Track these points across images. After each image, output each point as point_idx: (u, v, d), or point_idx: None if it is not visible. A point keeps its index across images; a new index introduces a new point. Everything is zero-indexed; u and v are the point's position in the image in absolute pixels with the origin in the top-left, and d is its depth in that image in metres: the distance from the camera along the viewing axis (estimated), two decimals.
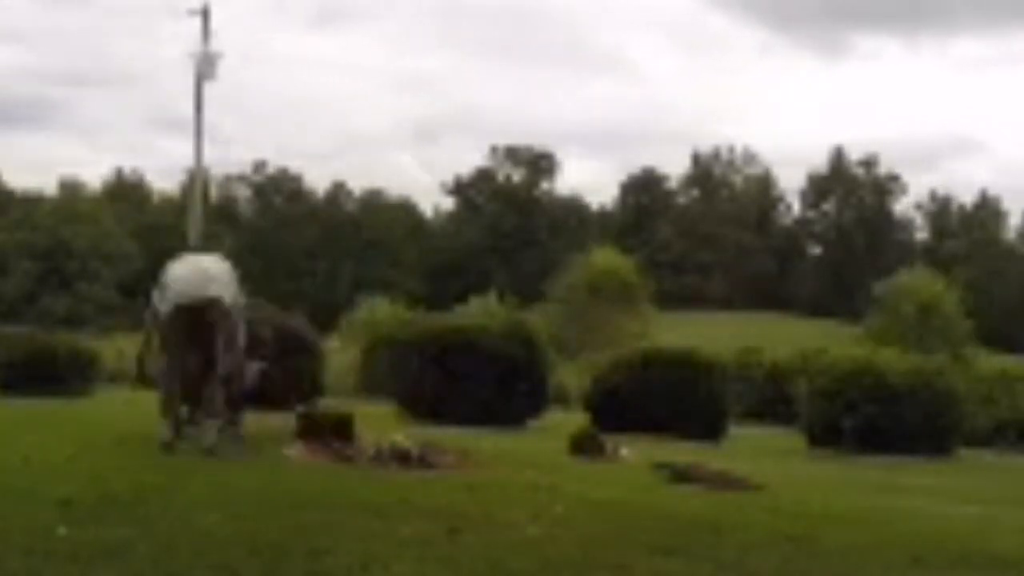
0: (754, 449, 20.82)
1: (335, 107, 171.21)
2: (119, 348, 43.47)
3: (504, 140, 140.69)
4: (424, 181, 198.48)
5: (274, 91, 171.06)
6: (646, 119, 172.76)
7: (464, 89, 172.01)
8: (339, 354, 39.27)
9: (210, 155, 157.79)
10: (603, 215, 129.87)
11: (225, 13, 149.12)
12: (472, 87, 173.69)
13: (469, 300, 59.82)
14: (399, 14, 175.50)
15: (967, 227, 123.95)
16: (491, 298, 61.49)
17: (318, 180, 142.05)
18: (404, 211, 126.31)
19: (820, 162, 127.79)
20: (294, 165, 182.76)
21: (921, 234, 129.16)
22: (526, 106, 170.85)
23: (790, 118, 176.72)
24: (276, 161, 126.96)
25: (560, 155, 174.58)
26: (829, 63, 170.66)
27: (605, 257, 72.19)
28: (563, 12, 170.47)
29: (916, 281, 66.60)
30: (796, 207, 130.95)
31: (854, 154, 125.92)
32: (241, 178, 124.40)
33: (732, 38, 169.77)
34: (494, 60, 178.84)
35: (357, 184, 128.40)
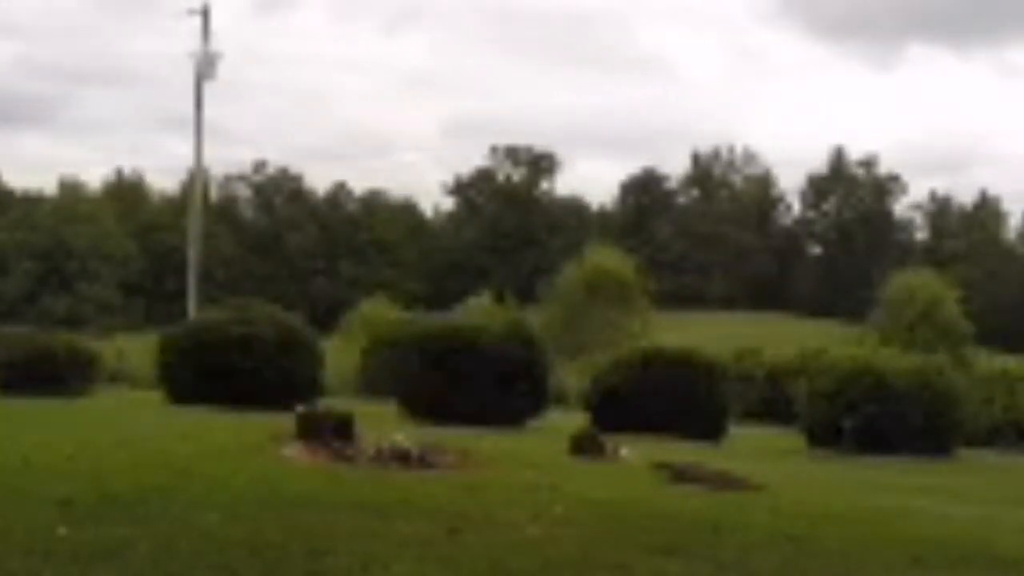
0: (754, 449, 20.81)
1: (347, 106, 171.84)
2: (119, 348, 43.57)
3: (520, 140, 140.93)
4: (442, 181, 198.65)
5: (278, 89, 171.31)
6: (681, 122, 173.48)
7: (476, 90, 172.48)
8: (339, 354, 39.29)
9: (216, 155, 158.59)
10: (603, 215, 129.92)
11: (231, 13, 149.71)
12: (483, 88, 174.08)
13: (464, 300, 59.88)
14: (417, 16, 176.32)
15: (967, 227, 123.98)
16: (484, 298, 61.52)
17: (318, 180, 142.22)
18: (406, 211, 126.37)
19: (821, 162, 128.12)
20: (304, 165, 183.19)
21: (921, 234, 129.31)
22: (548, 106, 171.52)
23: (823, 123, 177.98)
24: (279, 161, 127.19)
25: (581, 155, 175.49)
26: (879, 71, 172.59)
27: (601, 256, 71.80)
28: (603, 15, 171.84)
29: (918, 281, 66.50)
30: (796, 207, 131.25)
31: (888, 157, 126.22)
32: (241, 178, 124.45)
33: (778, 46, 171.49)
34: (509, 61, 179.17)
35: (361, 184, 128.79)
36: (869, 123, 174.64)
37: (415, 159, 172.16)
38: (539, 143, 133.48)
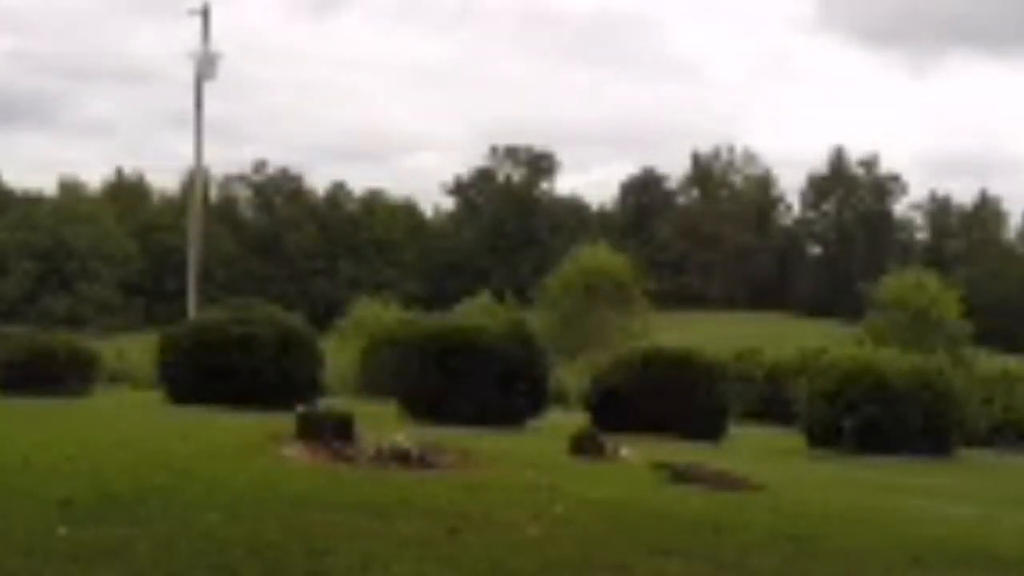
0: (754, 449, 20.81)
1: (360, 106, 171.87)
2: (119, 348, 43.61)
3: (542, 142, 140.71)
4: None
5: (283, 89, 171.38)
6: (687, 122, 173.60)
7: (497, 92, 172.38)
8: (338, 354, 39.30)
9: (220, 155, 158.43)
10: (603, 215, 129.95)
11: (236, 11, 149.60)
12: (506, 90, 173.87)
13: (463, 300, 59.90)
14: (439, 19, 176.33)
15: (967, 227, 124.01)
16: (484, 298, 61.51)
17: (324, 180, 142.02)
18: (406, 211, 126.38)
19: (821, 162, 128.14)
20: (313, 165, 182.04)
21: (921, 234, 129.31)
22: (569, 108, 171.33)
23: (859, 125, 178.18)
24: (287, 161, 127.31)
25: (585, 155, 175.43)
26: (915, 78, 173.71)
27: (595, 255, 71.49)
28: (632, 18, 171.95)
29: (908, 283, 66.35)
30: (796, 207, 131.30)
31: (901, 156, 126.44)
32: (241, 178, 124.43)
33: (813, 52, 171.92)
34: (538, 64, 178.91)
35: (360, 184, 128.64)
36: (896, 128, 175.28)
37: (433, 160, 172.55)
38: (554, 145, 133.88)
